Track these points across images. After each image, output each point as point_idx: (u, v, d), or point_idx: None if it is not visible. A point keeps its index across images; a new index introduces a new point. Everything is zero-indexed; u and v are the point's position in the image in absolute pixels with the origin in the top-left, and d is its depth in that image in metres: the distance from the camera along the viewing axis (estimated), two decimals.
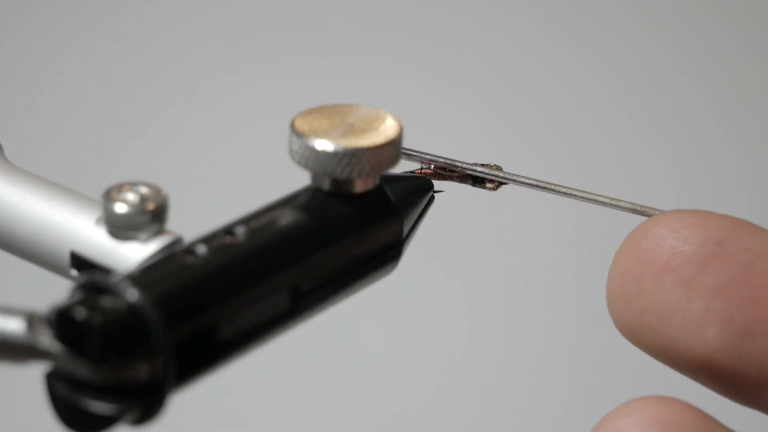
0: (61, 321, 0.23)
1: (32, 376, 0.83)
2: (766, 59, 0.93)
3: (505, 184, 0.32)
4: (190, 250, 0.25)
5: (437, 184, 0.34)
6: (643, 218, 0.26)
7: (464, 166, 0.32)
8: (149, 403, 0.24)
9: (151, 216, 0.27)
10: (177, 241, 0.27)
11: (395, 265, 0.31)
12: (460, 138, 0.90)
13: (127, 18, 0.94)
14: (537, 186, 0.29)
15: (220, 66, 0.95)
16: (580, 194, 0.28)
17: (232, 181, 0.92)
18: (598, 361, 0.89)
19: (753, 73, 0.93)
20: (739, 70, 0.93)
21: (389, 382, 0.89)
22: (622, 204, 0.27)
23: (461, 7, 0.95)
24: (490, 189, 0.33)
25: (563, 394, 0.89)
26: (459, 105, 0.92)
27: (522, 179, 0.30)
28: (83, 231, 0.27)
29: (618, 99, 0.93)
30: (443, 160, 0.32)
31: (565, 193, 0.28)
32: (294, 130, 0.28)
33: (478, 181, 0.33)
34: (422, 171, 0.34)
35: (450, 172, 0.33)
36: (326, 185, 0.28)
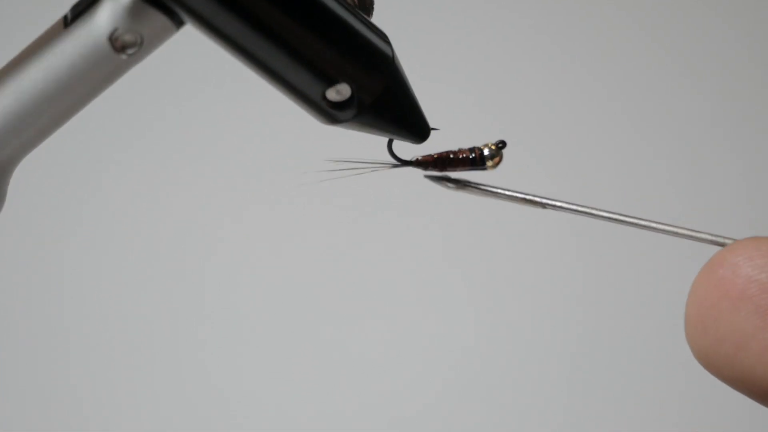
0: None
1: (32, 376, 0.81)
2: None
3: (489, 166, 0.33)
4: None
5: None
6: (715, 247, 0.26)
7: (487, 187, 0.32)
8: None
9: None
10: None
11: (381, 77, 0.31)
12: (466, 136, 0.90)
13: None
14: (598, 216, 0.29)
15: (222, 63, 0.94)
16: (652, 225, 0.28)
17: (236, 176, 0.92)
18: (601, 363, 0.89)
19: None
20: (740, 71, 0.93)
21: (393, 380, 0.89)
22: (700, 235, 0.27)
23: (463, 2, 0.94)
24: (490, 168, 0.34)
25: (566, 397, 0.89)
26: (470, 108, 0.92)
27: (585, 209, 0.29)
28: None
29: (621, 102, 0.93)
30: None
31: (632, 224, 0.28)
32: None
33: (478, 163, 0.34)
34: (422, 158, 0.35)
35: (449, 162, 0.34)
36: None
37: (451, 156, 0.35)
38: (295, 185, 0.86)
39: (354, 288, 0.90)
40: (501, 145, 0.35)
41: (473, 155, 0.35)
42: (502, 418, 0.89)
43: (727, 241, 0.27)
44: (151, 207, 0.92)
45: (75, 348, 0.89)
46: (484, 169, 0.34)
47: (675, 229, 0.27)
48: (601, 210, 0.28)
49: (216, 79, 0.93)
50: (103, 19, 0.29)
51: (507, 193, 0.30)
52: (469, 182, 0.32)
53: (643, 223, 0.28)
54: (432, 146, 0.35)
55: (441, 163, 0.35)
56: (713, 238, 0.27)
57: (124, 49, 0.29)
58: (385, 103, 0.32)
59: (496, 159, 0.34)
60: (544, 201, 0.29)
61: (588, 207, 0.28)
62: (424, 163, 0.35)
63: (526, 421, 0.89)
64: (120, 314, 0.90)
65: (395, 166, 0.35)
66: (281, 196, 0.90)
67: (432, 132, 0.34)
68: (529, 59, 0.93)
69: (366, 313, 0.90)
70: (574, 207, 0.28)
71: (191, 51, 0.94)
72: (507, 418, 0.89)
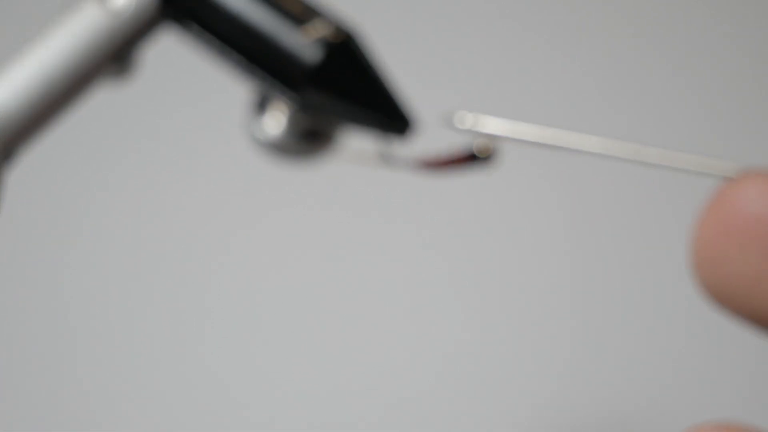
0: None
1: (31, 375, 0.80)
2: None
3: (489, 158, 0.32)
4: None
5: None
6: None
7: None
8: None
9: None
10: None
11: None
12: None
13: None
14: (555, 146, 0.28)
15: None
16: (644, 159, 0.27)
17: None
18: (598, 355, 0.89)
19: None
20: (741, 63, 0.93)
21: (392, 381, 0.89)
22: (684, 160, 0.26)
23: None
24: (484, 166, 0.33)
25: (565, 389, 0.89)
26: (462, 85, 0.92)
27: (541, 141, 0.28)
28: None
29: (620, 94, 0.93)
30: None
31: (602, 154, 0.27)
32: None
33: (471, 159, 0.34)
34: (416, 162, 0.35)
35: (445, 165, 0.34)
36: None
37: (446, 158, 0.34)
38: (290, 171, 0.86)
39: (352, 289, 0.90)
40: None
41: (468, 152, 0.34)
42: (501, 420, 0.88)
43: (730, 172, 0.26)
44: (148, 206, 0.92)
45: (72, 346, 0.89)
46: (480, 164, 0.34)
47: (671, 161, 0.26)
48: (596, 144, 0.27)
49: (213, 76, 0.93)
50: None
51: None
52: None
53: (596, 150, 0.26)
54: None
55: (436, 166, 0.35)
56: (715, 170, 0.26)
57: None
58: (343, 75, 0.33)
59: (489, 148, 0.34)
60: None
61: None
62: (419, 166, 0.35)
63: (528, 424, 0.88)
64: (120, 314, 0.90)
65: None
66: (279, 193, 0.91)
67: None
68: (523, 56, 0.93)
69: (365, 315, 0.90)
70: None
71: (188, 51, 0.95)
72: (507, 421, 0.88)
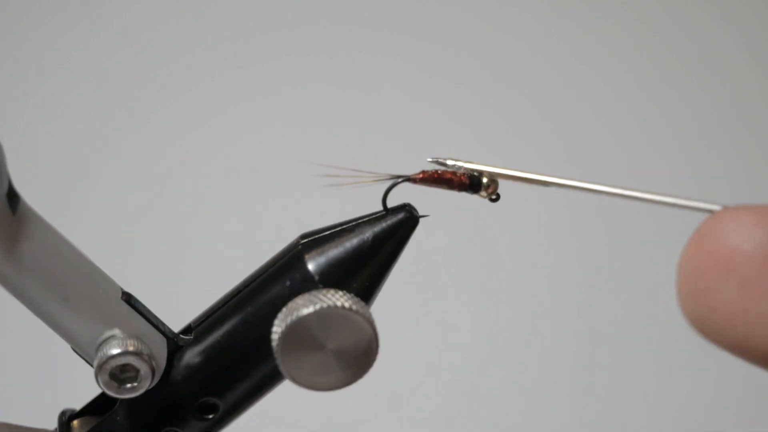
0: None
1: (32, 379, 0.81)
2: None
3: (496, 199, 0.33)
4: None
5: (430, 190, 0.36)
6: (701, 214, 0.26)
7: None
8: None
9: None
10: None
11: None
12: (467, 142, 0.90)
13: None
14: (578, 188, 0.29)
15: (223, 66, 0.94)
16: (640, 196, 0.28)
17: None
18: (604, 362, 0.89)
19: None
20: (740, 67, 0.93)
21: (394, 384, 0.89)
22: (689, 203, 0.27)
23: (462, 6, 0.94)
24: (483, 197, 0.34)
25: (570, 397, 0.89)
26: (463, 108, 0.92)
27: (556, 181, 0.29)
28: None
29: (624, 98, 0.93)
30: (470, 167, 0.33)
31: (611, 194, 0.28)
32: None
33: (474, 189, 0.34)
34: (421, 176, 0.36)
35: (447, 180, 0.35)
36: None
37: (448, 176, 0.35)
38: (290, 189, 0.86)
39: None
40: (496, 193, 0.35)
41: (470, 178, 0.35)
42: (502, 423, 0.88)
43: (715, 207, 0.26)
44: (144, 215, 0.92)
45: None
46: (476, 193, 0.35)
47: (662, 198, 0.27)
48: (590, 184, 0.28)
49: (212, 82, 0.93)
50: None
51: (505, 172, 0.31)
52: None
53: (629, 194, 0.28)
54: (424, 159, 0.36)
55: (436, 181, 0.35)
56: (702, 206, 0.27)
57: None
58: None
59: (491, 189, 0.35)
60: (546, 180, 0.29)
61: (581, 182, 0.28)
62: (419, 179, 0.36)
63: (528, 426, 0.88)
64: None
65: (394, 181, 0.36)
66: (277, 197, 0.90)
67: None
68: (521, 66, 0.93)
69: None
70: (571, 183, 0.28)
71: (192, 56, 0.94)
72: (508, 424, 0.88)
